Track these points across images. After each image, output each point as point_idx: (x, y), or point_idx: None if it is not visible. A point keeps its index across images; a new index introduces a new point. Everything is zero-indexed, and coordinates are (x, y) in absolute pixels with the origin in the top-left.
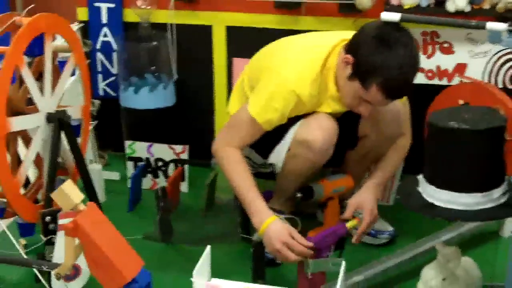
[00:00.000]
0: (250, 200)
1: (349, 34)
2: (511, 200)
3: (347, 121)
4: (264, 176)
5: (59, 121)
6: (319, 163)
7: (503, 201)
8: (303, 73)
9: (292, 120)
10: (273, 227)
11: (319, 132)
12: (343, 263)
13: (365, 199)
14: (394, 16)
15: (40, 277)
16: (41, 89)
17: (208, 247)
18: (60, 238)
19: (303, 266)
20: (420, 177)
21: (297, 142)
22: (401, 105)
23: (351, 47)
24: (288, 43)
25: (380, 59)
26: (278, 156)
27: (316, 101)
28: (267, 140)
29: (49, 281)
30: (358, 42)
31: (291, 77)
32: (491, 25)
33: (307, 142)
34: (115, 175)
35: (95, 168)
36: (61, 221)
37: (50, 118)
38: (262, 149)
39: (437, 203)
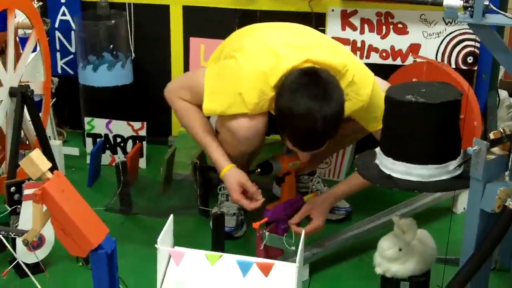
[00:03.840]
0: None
1: (322, 46)
2: (466, 172)
3: None
4: None
5: (22, 95)
6: (244, 151)
7: (458, 173)
8: (257, 84)
9: None
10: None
11: (244, 120)
12: (303, 234)
13: (318, 208)
14: None
15: (6, 244)
16: (4, 64)
17: (171, 216)
18: (25, 208)
19: (261, 237)
20: (378, 150)
21: (222, 125)
22: None
23: (277, 92)
24: (263, 35)
25: (286, 110)
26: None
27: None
28: None
29: (14, 248)
30: (278, 91)
31: (246, 82)
32: (448, 1)
33: (231, 128)
34: (74, 151)
35: (55, 144)
36: (26, 191)
37: (13, 92)
38: None
39: (394, 174)
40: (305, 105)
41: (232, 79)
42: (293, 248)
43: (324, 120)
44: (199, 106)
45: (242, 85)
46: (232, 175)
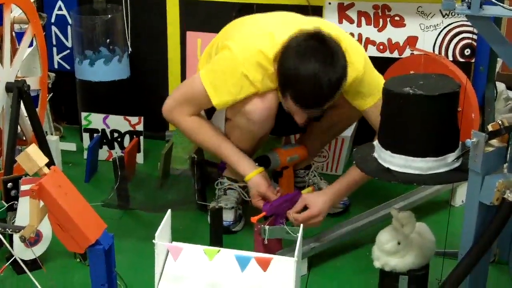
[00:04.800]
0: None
1: (314, 23)
2: (464, 165)
3: None
4: None
5: (18, 90)
6: (257, 134)
7: (457, 165)
8: (256, 61)
9: None
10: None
11: (258, 102)
12: (301, 227)
13: (313, 199)
14: None
15: (3, 240)
16: (0, 60)
17: (169, 211)
18: (22, 204)
19: (260, 232)
20: (376, 142)
21: (235, 111)
22: None
23: (278, 56)
24: (252, 22)
25: (292, 71)
26: (216, 123)
27: (268, 87)
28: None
29: (11, 244)
30: (282, 52)
31: (244, 61)
32: None
33: (245, 111)
34: (71, 146)
35: (52, 139)
36: (23, 187)
37: (9, 87)
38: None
39: (392, 167)
40: (313, 69)
41: (231, 66)
42: (298, 235)
43: (330, 85)
44: (207, 110)
45: (243, 66)
46: (253, 184)
